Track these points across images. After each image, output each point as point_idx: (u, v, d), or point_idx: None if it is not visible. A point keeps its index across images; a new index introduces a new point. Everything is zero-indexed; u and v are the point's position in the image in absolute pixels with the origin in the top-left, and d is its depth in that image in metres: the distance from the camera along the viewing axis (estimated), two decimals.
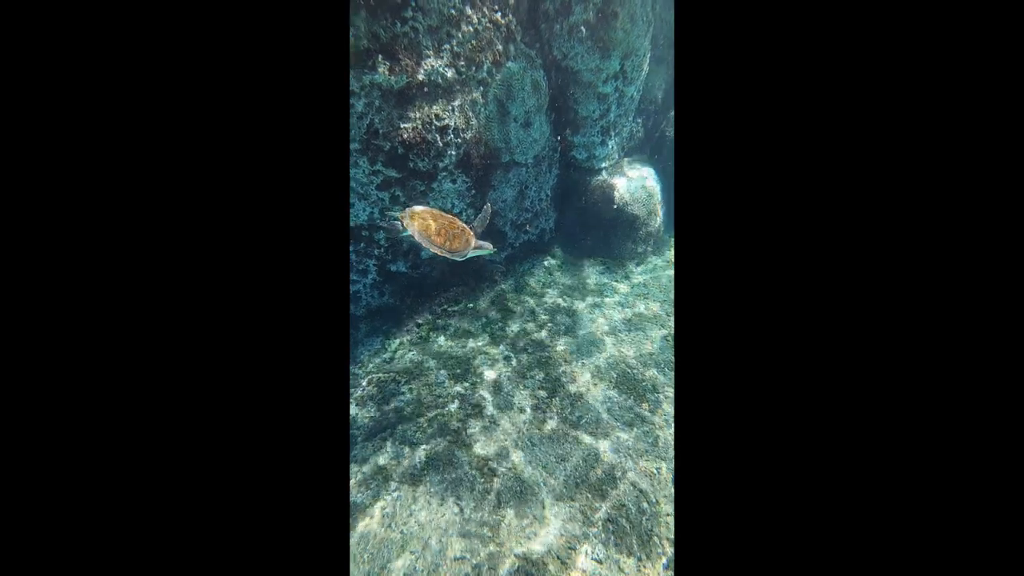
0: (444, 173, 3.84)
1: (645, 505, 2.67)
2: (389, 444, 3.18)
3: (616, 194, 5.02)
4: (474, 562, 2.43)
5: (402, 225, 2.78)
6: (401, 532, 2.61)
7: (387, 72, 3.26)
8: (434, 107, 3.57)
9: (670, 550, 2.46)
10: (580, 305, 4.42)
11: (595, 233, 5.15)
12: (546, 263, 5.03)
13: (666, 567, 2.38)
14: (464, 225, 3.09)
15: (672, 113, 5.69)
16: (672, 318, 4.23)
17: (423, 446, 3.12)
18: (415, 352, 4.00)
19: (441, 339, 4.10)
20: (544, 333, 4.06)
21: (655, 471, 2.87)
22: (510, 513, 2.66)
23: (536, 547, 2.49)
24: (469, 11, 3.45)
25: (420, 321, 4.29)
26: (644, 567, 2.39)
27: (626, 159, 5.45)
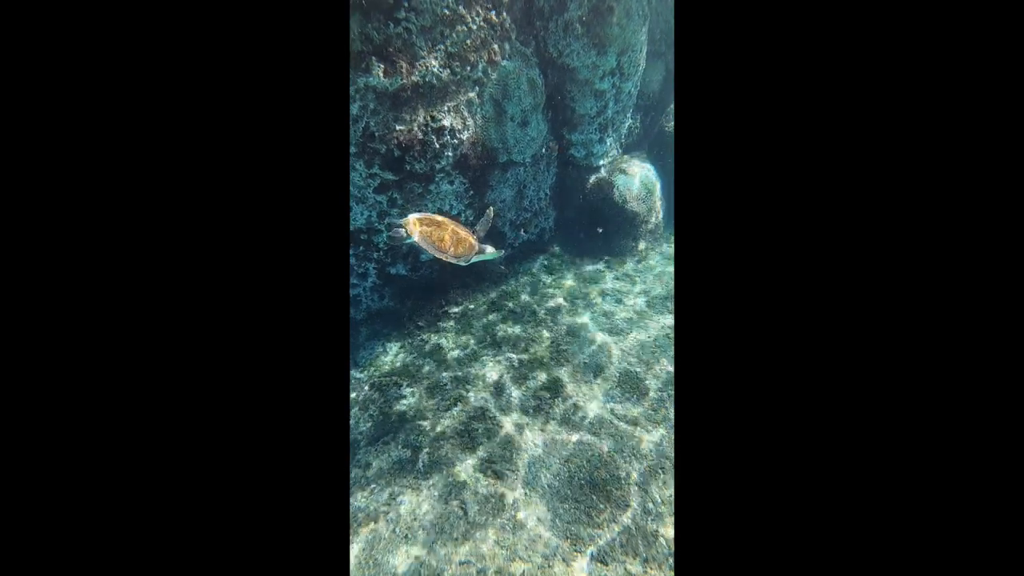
0: (442, 174, 3.82)
1: (651, 506, 2.66)
2: (392, 448, 3.17)
3: (615, 191, 4.99)
4: (479, 567, 2.42)
5: (405, 232, 2.77)
6: (405, 536, 2.60)
7: (381, 74, 3.23)
8: (430, 108, 3.54)
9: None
10: (580, 304, 4.40)
11: (594, 231, 5.12)
12: (546, 262, 5.01)
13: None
14: (467, 230, 3.07)
15: (671, 107, 5.64)
16: (672, 316, 4.20)
17: (426, 449, 3.11)
18: (416, 355, 3.99)
19: (442, 341, 4.09)
20: (545, 333, 4.05)
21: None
22: (514, 516, 2.65)
23: (540, 549, 2.48)
24: (463, 10, 3.42)
25: (421, 323, 4.28)
26: (650, 568, 2.38)
27: (625, 155, 5.41)
